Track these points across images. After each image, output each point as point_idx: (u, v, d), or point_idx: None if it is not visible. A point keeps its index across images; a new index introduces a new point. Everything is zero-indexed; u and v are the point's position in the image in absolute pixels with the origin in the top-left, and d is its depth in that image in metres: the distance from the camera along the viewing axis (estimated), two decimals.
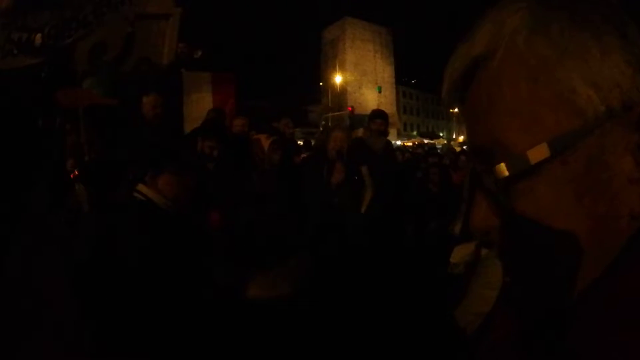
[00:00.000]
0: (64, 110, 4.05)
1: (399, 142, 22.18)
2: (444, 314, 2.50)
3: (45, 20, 3.97)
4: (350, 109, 34.18)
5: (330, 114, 25.75)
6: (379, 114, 4.67)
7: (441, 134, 62.24)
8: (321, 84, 59.52)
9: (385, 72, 65.05)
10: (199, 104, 4.75)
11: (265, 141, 3.25)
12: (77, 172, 3.47)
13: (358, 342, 2.69)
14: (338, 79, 53.26)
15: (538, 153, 0.40)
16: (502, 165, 0.42)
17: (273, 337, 2.05)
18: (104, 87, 4.48)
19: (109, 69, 4.65)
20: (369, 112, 5.18)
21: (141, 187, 2.06)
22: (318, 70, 63.54)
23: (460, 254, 2.81)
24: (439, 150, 12.73)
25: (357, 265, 3.19)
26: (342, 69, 57.62)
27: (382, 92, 58.46)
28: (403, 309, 3.18)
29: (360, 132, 5.96)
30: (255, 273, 1.97)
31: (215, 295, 1.90)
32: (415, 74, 69.18)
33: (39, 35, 3.92)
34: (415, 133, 49.57)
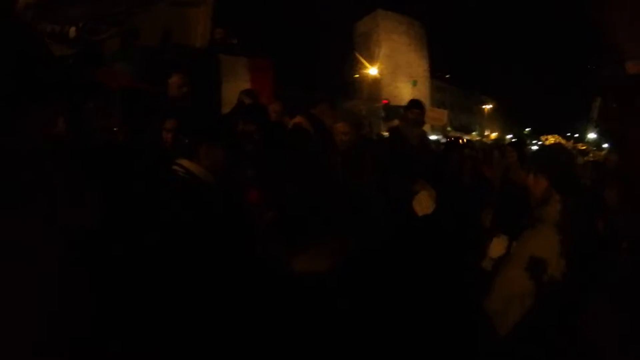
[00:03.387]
0: (96, 95, 4.17)
1: (434, 137, 21.65)
2: (469, 302, 2.37)
3: (76, 15, 4.06)
4: (385, 101, 33.83)
5: (364, 106, 25.52)
6: (416, 104, 4.56)
7: (474, 130, 60.80)
8: (356, 76, 59.03)
9: (419, 65, 63.77)
10: (237, 90, 4.79)
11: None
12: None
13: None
14: (372, 71, 52.63)
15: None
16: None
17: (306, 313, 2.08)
18: (132, 72, 4.45)
19: (140, 55, 4.67)
20: (404, 104, 5.11)
21: (183, 160, 2.17)
22: (353, 62, 62.95)
23: (498, 248, 2.75)
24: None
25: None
26: (376, 62, 56.88)
27: (417, 86, 57.44)
28: (431, 300, 3.12)
29: (395, 122, 5.92)
30: (296, 249, 2.03)
31: (255, 266, 1.96)
32: (448, 69, 67.09)
33: (73, 29, 4.02)
34: (449, 128, 48.52)
